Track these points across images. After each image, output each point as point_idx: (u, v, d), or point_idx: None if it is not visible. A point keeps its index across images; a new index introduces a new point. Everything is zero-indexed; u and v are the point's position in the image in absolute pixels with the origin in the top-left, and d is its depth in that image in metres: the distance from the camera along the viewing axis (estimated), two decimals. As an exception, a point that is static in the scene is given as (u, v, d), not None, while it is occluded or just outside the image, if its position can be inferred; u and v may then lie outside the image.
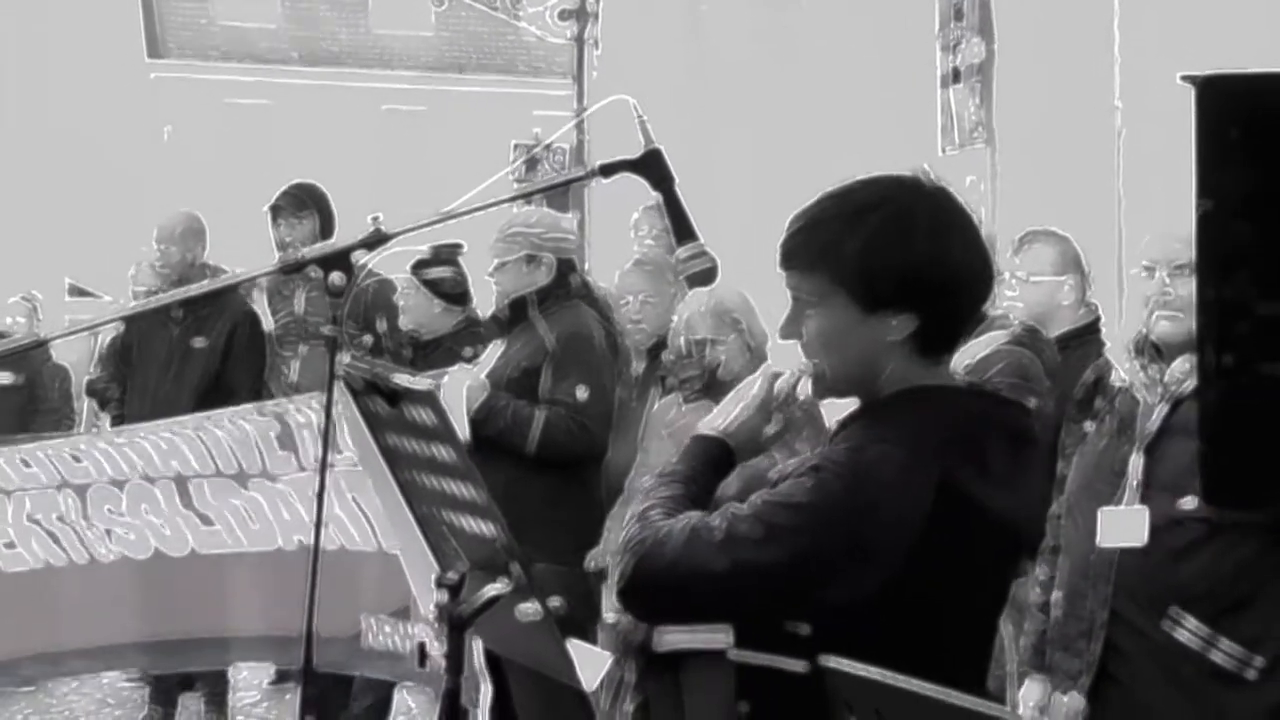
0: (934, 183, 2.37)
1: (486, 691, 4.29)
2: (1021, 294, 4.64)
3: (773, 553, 2.22)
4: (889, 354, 2.33)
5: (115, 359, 7.09)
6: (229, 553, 4.71)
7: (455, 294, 6.04)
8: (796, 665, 2.29)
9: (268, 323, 6.95)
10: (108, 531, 4.72)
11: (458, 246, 6.03)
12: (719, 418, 2.50)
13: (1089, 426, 3.63)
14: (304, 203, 6.86)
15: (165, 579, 4.73)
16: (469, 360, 5.47)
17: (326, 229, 6.84)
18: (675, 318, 4.70)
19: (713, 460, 2.46)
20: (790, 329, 2.40)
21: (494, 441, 4.91)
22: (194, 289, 6.28)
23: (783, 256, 2.37)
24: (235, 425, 4.77)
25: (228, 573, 4.72)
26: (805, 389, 2.45)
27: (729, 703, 2.43)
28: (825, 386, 2.40)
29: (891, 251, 2.29)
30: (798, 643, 2.29)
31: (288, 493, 4.67)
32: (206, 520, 4.73)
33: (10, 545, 4.69)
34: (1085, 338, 4.66)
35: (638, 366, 5.33)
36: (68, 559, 4.70)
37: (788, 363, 2.49)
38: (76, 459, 4.77)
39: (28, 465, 4.77)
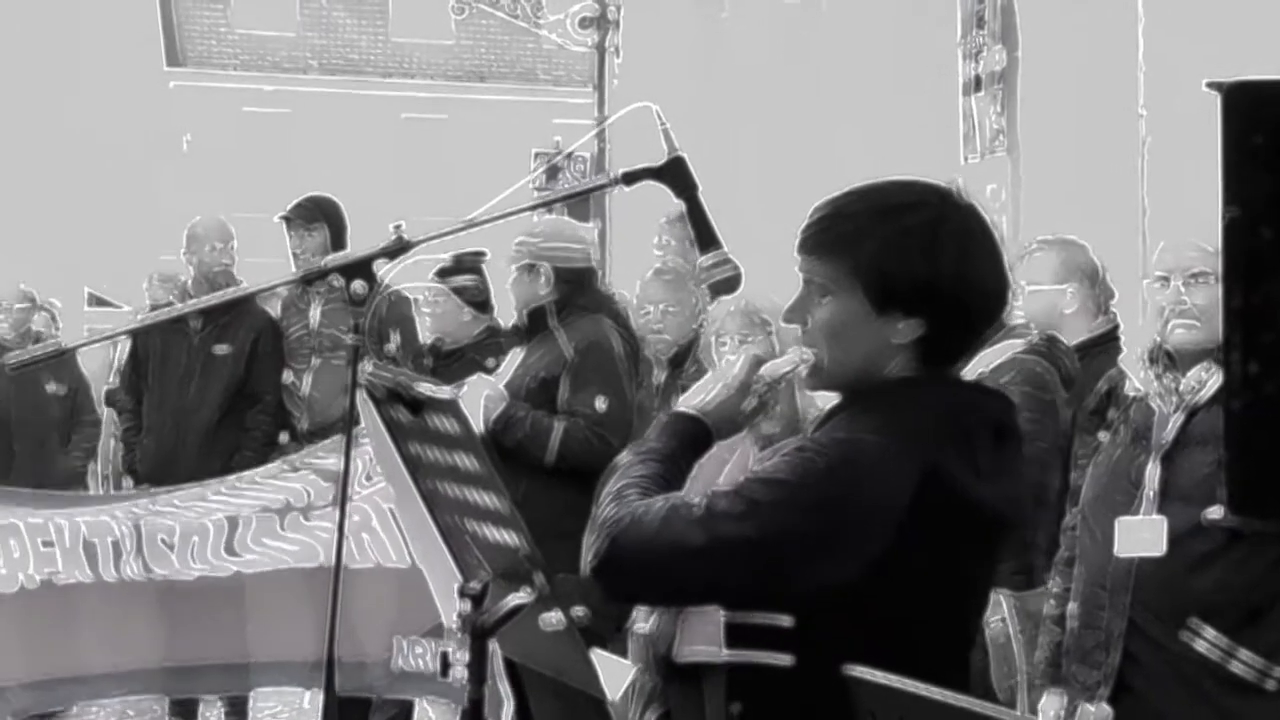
0: (967, 198, 2.37)
1: (508, 708, 4.28)
2: (1024, 303, 4.62)
3: (752, 528, 2.21)
4: (891, 356, 2.34)
5: (130, 370, 7.11)
6: (270, 570, 4.71)
7: (479, 301, 6.03)
8: (783, 659, 2.29)
9: None
10: (148, 570, 4.72)
11: (481, 254, 6.04)
12: (698, 395, 2.48)
13: (1103, 436, 3.62)
14: (315, 214, 6.89)
15: (204, 600, 4.73)
16: (489, 371, 5.46)
17: (338, 241, 6.88)
18: (705, 324, 4.69)
19: (690, 438, 2.44)
20: (796, 314, 2.39)
21: (512, 452, 4.91)
22: (213, 298, 6.30)
23: (802, 241, 2.38)
24: (271, 483, 4.80)
25: (267, 594, 4.72)
26: (780, 373, 2.43)
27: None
28: (822, 378, 2.40)
29: (914, 255, 2.30)
30: (782, 636, 2.28)
31: (322, 530, 4.67)
32: (247, 549, 4.75)
33: (55, 573, 4.69)
34: (1101, 347, 4.60)
35: (659, 376, 5.32)
36: (118, 576, 4.70)
37: None
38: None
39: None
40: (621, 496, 2.30)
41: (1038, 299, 4.65)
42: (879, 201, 2.35)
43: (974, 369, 4.01)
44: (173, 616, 4.74)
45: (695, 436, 2.45)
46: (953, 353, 2.38)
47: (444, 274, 5.96)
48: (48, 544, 4.69)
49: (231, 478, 5.07)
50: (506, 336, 5.53)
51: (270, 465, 5.16)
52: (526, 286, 5.12)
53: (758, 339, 4.51)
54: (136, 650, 4.75)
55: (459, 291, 5.97)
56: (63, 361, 7.59)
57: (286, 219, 6.92)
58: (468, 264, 5.92)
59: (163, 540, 4.73)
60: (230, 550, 4.73)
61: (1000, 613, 4.01)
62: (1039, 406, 4.05)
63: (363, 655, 4.54)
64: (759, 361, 2.47)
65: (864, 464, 2.24)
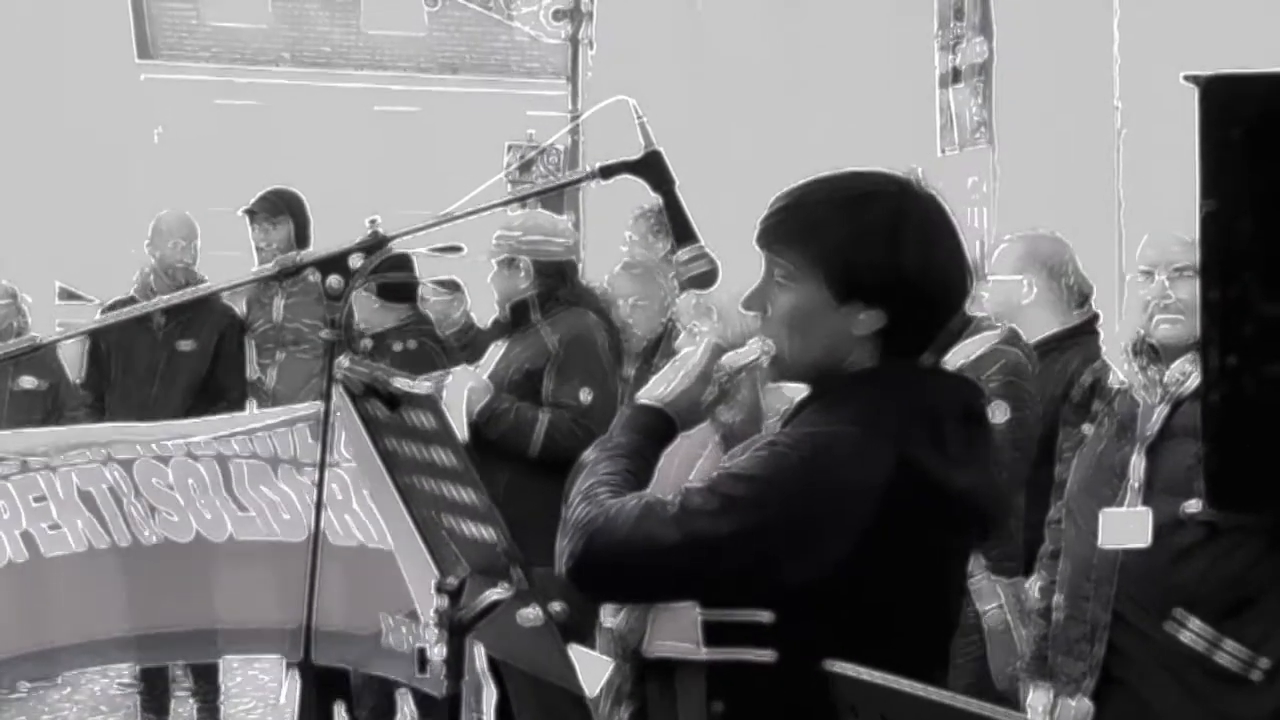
0: (926, 188, 2.37)
1: (491, 695, 4.27)
2: (988, 294, 4.61)
3: (727, 524, 2.20)
4: (852, 347, 2.33)
5: (91, 366, 7.06)
6: (262, 540, 4.68)
7: (393, 292, 6.16)
8: (764, 656, 2.28)
9: None
10: (152, 511, 4.66)
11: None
12: (659, 386, 2.47)
13: (1087, 429, 3.62)
14: (279, 208, 6.88)
15: (172, 565, 4.69)
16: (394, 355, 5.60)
17: (301, 234, 6.89)
18: (678, 319, 4.69)
19: (654, 431, 2.44)
20: (755, 301, 2.38)
21: (495, 444, 4.91)
22: (183, 294, 6.27)
23: (762, 231, 2.37)
24: (254, 432, 4.77)
25: (258, 562, 4.69)
26: (741, 364, 2.42)
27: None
28: (782, 369, 2.39)
29: (876, 245, 2.29)
30: (762, 632, 2.27)
31: (312, 485, 4.63)
32: (243, 506, 4.71)
33: (55, 527, 4.63)
34: (1071, 340, 4.55)
35: (630, 369, 5.32)
36: (110, 541, 4.65)
37: None
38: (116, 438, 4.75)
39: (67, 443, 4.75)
40: (592, 496, 2.29)
41: (998, 290, 4.63)
42: (839, 192, 2.35)
43: (954, 361, 4.02)
44: (140, 583, 4.70)
45: (658, 428, 2.44)
46: (915, 343, 2.37)
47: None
48: (39, 499, 4.64)
49: (204, 421, 5.03)
50: (487, 331, 5.54)
51: (242, 414, 5.13)
52: (507, 280, 5.13)
53: (705, 328, 4.50)
54: (106, 619, 4.71)
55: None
56: (38, 356, 7.53)
57: (250, 212, 6.90)
58: (390, 262, 5.98)
59: (158, 482, 4.68)
60: (231, 494, 4.69)
61: (997, 600, 4.01)
62: (1024, 396, 4.05)
63: (347, 627, 4.52)
64: (719, 350, 2.46)
65: (836, 456, 2.23)
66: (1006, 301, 4.57)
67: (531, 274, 5.10)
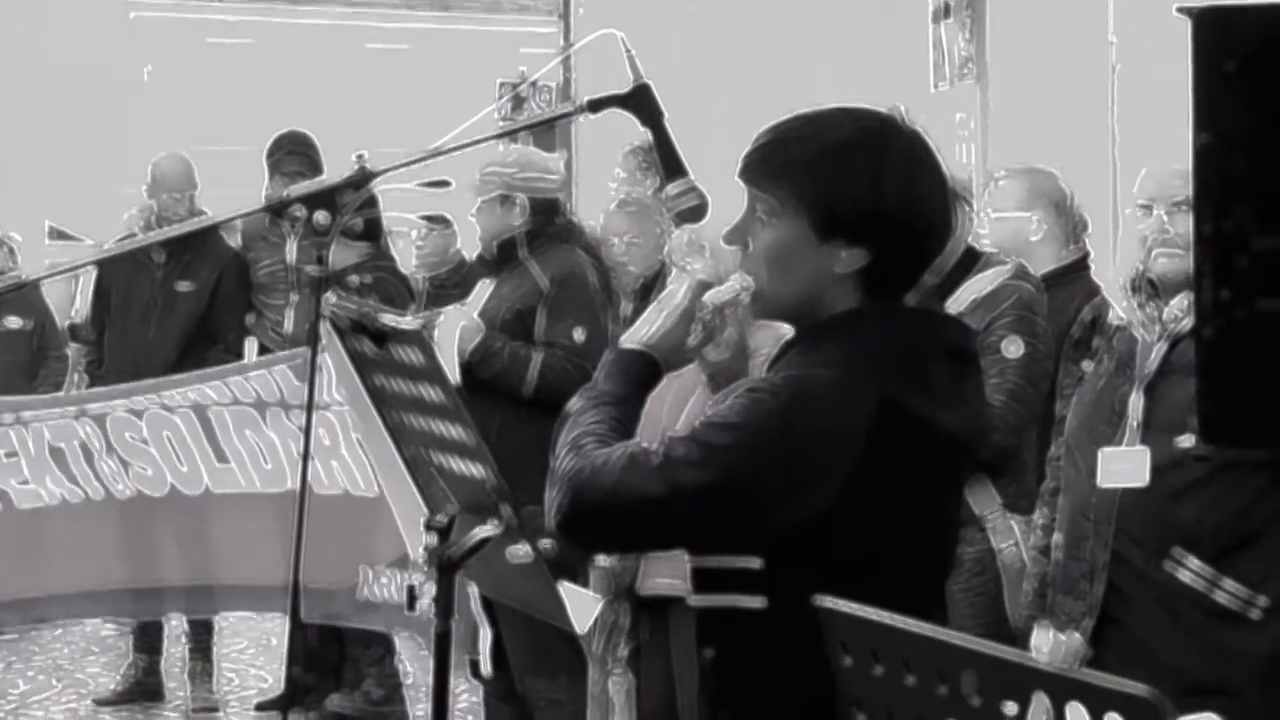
0: (910, 125, 2.35)
1: (486, 635, 4.27)
2: (990, 231, 4.59)
3: (709, 473, 2.19)
4: (833, 286, 2.31)
5: (95, 303, 7.03)
6: (241, 493, 4.66)
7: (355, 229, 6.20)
8: (754, 602, 2.28)
9: None
10: (125, 465, 4.64)
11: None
12: (642, 328, 2.45)
13: (1086, 366, 3.60)
14: (303, 166, 6.76)
15: (175, 519, 4.68)
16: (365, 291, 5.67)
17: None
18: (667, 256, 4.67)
19: (639, 376, 2.42)
20: (736, 236, 2.37)
21: (488, 384, 4.89)
22: (173, 230, 6.23)
23: (744, 167, 2.35)
24: (233, 379, 4.73)
25: (235, 516, 4.67)
26: (723, 300, 2.41)
27: None
28: (761, 306, 2.38)
29: (858, 182, 2.28)
30: (752, 578, 2.27)
31: (299, 432, 4.61)
32: (222, 457, 4.68)
33: (24, 482, 4.61)
34: (1071, 276, 4.58)
35: (626, 308, 5.30)
36: (84, 495, 4.63)
37: None
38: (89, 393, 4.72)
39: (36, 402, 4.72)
40: (579, 447, 2.28)
41: (1004, 226, 4.63)
42: (822, 128, 2.33)
43: (965, 297, 4.01)
44: (136, 537, 4.69)
45: (643, 372, 2.42)
46: (898, 283, 2.35)
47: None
48: (11, 454, 4.62)
49: (182, 376, 5.01)
50: (472, 268, 5.51)
51: (226, 366, 5.11)
52: (499, 218, 5.09)
53: (698, 264, 4.48)
54: (101, 572, 4.70)
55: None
56: (23, 296, 7.50)
57: (275, 161, 6.81)
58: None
59: (131, 436, 4.65)
60: (214, 444, 4.66)
61: (1012, 538, 3.99)
62: (1038, 330, 4.03)
63: (329, 582, 4.51)
64: (703, 288, 2.43)
65: (816, 398, 2.23)
66: (1014, 237, 4.57)
67: (527, 211, 5.07)
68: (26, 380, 7.88)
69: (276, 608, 4.75)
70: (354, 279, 6.19)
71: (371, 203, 6.17)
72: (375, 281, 6.26)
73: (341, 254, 6.20)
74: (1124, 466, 3.34)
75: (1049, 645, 3.50)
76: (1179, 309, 3.36)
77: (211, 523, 4.70)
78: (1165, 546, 3.30)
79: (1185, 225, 3.31)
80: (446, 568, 2.39)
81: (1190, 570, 3.28)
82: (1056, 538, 3.54)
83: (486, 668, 4.30)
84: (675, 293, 2.46)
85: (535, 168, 5.19)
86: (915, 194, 2.30)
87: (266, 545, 4.43)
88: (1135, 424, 3.36)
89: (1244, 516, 3.28)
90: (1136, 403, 3.37)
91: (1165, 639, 3.29)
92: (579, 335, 4.96)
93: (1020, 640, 3.61)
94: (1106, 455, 3.37)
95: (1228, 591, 3.27)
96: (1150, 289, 3.42)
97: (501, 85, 17.26)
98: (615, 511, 2.24)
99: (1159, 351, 3.37)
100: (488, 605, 4.24)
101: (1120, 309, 3.49)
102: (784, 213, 2.31)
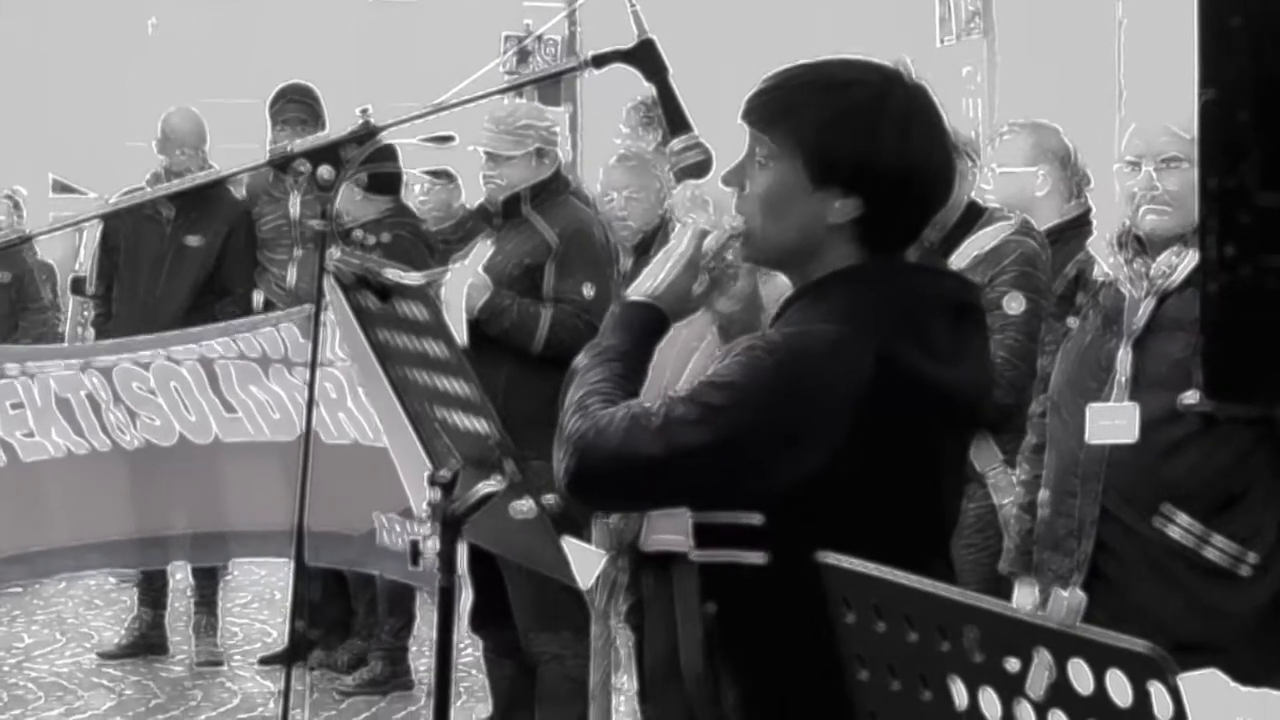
0: (915, 79, 2.35)
1: (467, 597, 4.29)
2: (995, 186, 4.58)
3: (708, 433, 2.20)
4: (827, 236, 2.31)
5: (103, 257, 7.02)
6: (249, 441, 4.67)
7: (380, 185, 6.22)
8: (756, 558, 2.28)
9: None
10: (132, 416, 4.64)
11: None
12: (647, 280, 2.44)
13: (1071, 322, 3.58)
14: (307, 118, 6.74)
15: (184, 467, 4.68)
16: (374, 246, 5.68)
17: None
18: (672, 211, 4.65)
19: (645, 328, 2.41)
20: (734, 177, 2.37)
21: (495, 340, 4.89)
22: (178, 184, 6.19)
23: (746, 110, 2.35)
24: (240, 335, 4.73)
25: (245, 463, 4.67)
26: (719, 243, 2.41)
27: None
28: (752, 249, 2.38)
29: (856, 130, 2.28)
30: (753, 534, 2.27)
31: (304, 386, 4.60)
32: (230, 408, 4.68)
33: (29, 435, 4.60)
34: (1073, 231, 4.54)
35: (626, 263, 5.29)
36: (90, 448, 4.63)
37: None
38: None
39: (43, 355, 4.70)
40: (584, 408, 2.28)
41: (1009, 182, 4.61)
42: (824, 76, 2.33)
43: (969, 252, 3.99)
44: (143, 487, 4.69)
45: (649, 324, 2.42)
46: (897, 238, 2.35)
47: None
48: (16, 406, 4.62)
49: (187, 330, 5.02)
50: (472, 220, 5.50)
51: (231, 322, 5.11)
52: (531, 171, 5.06)
53: (701, 219, 4.46)
54: (106, 524, 4.71)
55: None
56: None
57: (276, 111, 6.78)
58: (376, 153, 5.96)
59: (138, 387, 4.65)
60: (219, 395, 4.66)
61: (1014, 495, 3.98)
62: (1040, 286, 4.01)
63: (341, 526, 4.52)
64: (705, 234, 2.43)
65: (813, 354, 2.22)
66: (1020, 193, 4.56)
67: (555, 165, 5.09)
68: (5, 333, 7.87)
69: (286, 553, 4.76)
70: (359, 234, 6.17)
71: (390, 155, 6.14)
72: (394, 240, 6.23)
73: (361, 208, 6.24)
74: (1113, 422, 3.33)
75: (1031, 602, 3.50)
76: (1166, 265, 3.35)
77: (221, 470, 4.71)
78: (1154, 503, 3.30)
79: (1174, 182, 3.31)
80: (450, 523, 2.39)
81: (1179, 527, 3.28)
82: (1042, 494, 3.52)
83: (463, 629, 4.32)
84: (678, 243, 2.46)
85: (547, 120, 5.22)
86: (912, 147, 2.30)
87: (276, 491, 4.44)
88: (1123, 380, 3.35)
89: (1233, 472, 3.28)
90: (1124, 358, 3.36)
91: (1154, 596, 3.29)
92: (588, 291, 4.96)
93: None
94: (1095, 411, 3.36)
95: (1217, 548, 3.27)
96: (1137, 245, 3.41)
97: (506, 39, 17.19)
98: (619, 473, 2.25)
99: (1147, 307, 3.36)
100: (474, 566, 4.25)
101: (1106, 264, 3.47)
102: (780, 156, 2.30)
